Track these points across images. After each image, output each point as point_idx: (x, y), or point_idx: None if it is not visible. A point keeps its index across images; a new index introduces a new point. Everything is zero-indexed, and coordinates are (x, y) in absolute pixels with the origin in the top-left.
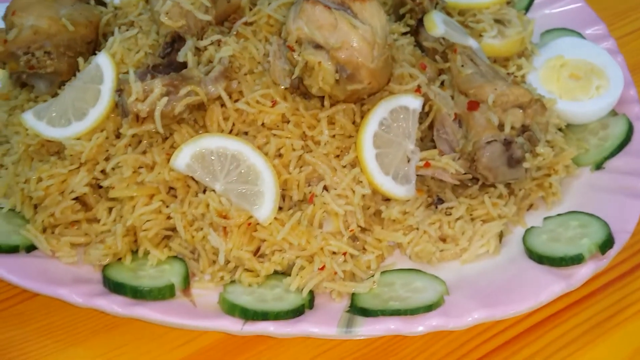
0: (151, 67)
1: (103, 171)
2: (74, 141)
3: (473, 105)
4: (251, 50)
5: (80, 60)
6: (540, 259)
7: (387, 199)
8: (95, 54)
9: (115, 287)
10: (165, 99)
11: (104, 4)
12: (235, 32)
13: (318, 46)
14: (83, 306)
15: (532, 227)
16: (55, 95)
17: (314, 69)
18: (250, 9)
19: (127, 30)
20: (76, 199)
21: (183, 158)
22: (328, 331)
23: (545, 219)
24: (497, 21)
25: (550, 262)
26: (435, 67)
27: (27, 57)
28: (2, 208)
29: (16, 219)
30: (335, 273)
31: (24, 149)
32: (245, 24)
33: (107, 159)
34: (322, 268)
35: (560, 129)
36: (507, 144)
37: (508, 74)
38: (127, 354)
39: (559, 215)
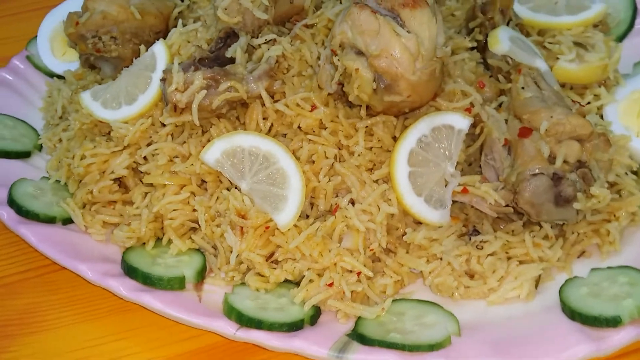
0: (197, 59)
1: (145, 157)
2: (120, 124)
3: (525, 132)
4: (304, 52)
5: (142, 47)
6: (573, 314)
7: (419, 222)
8: None
9: (129, 271)
10: (204, 91)
11: None
12: (293, 34)
13: (359, 52)
14: (95, 284)
15: (574, 277)
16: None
17: (352, 75)
18: (314, 12)
19: (194, 23)
20: (117, 180)
21: (214, 152)
22: (318, 352)
23: (593, 270)
24: (578, 44)
25: (583, 319)
26: (496, 87)
27: (94, 40)
28: (49, 179)
29: (63, 192)
30: (344, 292)
31: (78, 126)
32: (306, 26)
33: (149, 145)
34: (331, 284)
35: (634, 172)
36: (557, 179)
37: (580, 104)
38: (137, 337)
39: (609, 268)
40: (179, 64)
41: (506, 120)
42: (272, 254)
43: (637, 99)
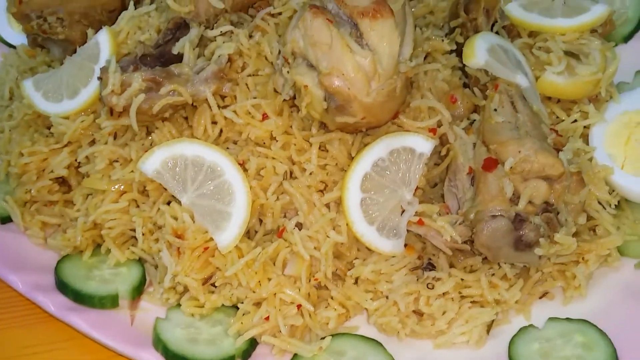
0: (139, 57)
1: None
2: (59, 120)
3: (489, 165)
4: (264, 47)
5: (90, 32)
6: None
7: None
8: None
9: (60, 285)
10: (142, 95)
11: None
12: (255, 24)
13: (311, 65)
14: (25, 295)
15: (529, 326)
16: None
17: (301, 91)
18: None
19: (151, 2)
20: (57, 179)
21: (153, 162)
22: None
23: (550, 319)
24: (570, 54)
25: None
26: (470, 102)
27: (38, 22)
28: None
29: (5, 186)
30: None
31: (21, 116)
32: (270, 15)
33: (92, 142)
34: (267, 318)
35: (615, 205)
36: (519, 221)
37: (557, 133)
38: (74, 347)
39: (567, 319)
40: (117, 61)
41: (474, 145)
42: (210, 277)
43: (627, 123)
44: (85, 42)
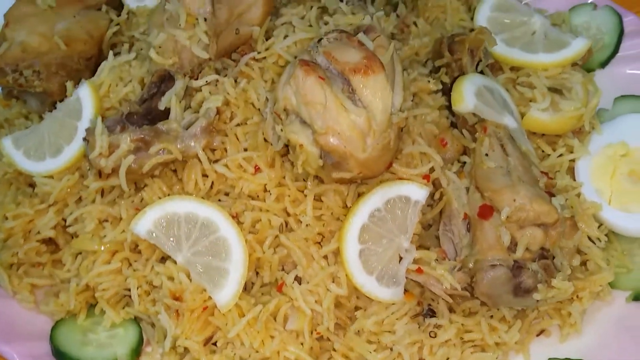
0: (125, 115)
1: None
2: (44, 179)
3: (485, 213)
4: (250, 94)
5: (69, 84)
6: None
7: None
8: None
9: (56, 354)
10: (131, 157)
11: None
12: (239, 70)
13: (304, 122)
14: None
15: None
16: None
17: (296, 149)
18: (264, 42)
19: (129, 49)
20: (44, 240)
21: (145, 223)
22: None
23: None
24: (554, 90)
25: None
26: (460, 145)
27: (14, 76)
28: None
29: None
30: None
31: (1, 175)
32: (254, 59)
33: (79, 200)
34: None
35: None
36: (517, 268)
37: (549, 177)
38: None
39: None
40: (103, 121)
41: (467, 189)
42: (211, 337)
43: (611, 157)
44: (64, 93)
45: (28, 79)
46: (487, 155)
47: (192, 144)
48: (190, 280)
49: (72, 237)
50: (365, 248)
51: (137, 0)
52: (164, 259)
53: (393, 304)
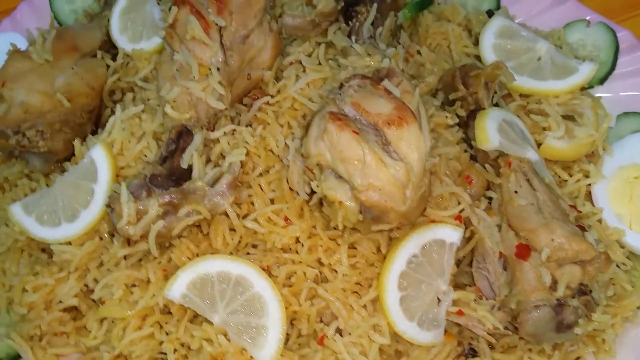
0: (148, 178)
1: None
2: (62, 247)
3: (523, 253)
4: (269, 141)
5: (77, 143)
6: None
7: None
8: (95, 129)
9: None
10: (160, 222)
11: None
12: (252, 115)
13: (340, 177)
14: None
15: None
16: (49, 174)
17: (334, 204)
18: (274, 84)
19: (133, 98)
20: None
21: (179, 287)
22: None
23: None
24: (566, 116)
25: None
26: (483, 180)
27: (17, 138)
28: None
29: (6, 317)
30: None
31: (11, 243)
32: (267, 103)
33: (100, 265)
34: None
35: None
36: (558, 306)
37: (578, 210)
38: None
39: None
40: (127, 187)
41: (498, 226)
42: None
43: (626, 179)
44: (69, 150)
45: (31, 140)
46: (516, 192)
47: (221, 201)
48: (229, 341)
49: (95, 302)
50: (406, 295)
51: (131, 41)
52: (195, 316)
53: (434, 346)
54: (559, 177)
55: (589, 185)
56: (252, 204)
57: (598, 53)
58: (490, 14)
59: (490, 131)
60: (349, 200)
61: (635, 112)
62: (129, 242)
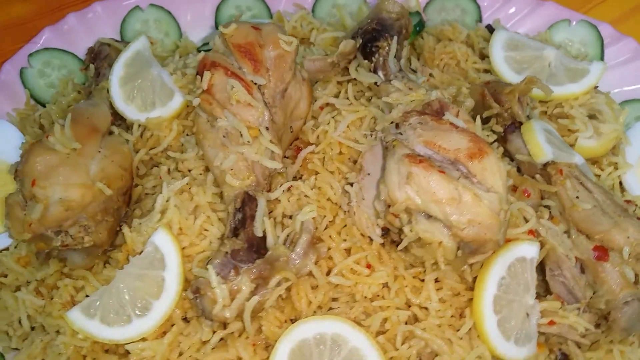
0: (230, 255)
1: None
2: (140, 345)
3: (602, 255)
4: (326, 190)
5: (126, 230)
6: None
7: None
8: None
9: None
10: (255, 298)
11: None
12: (298, 166)
13: (429, 216)
14: None
15: None
16: (91, 268)
17: (431, 245)
18: (312, 131)
19: (168, 171)
20: None
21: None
22: None
23: None
24: (590, 116)
25: None
26: (537, 190)
27: (60, 238)
28: None
29: None
30: None
31: (71, 351)
32: (312, 152)
33: (180, 355)
34: None
35: None
36: None
37: (628, 202)
38: None
39: None
40: (213, 267)
41: (566, 233)
42: None
43: None
44: (113, 239)
45: (75, 237)
46: (577, 197)
47: (304, 263)
48: None
49: None
50: (501, 317)
51: (142, 111)
52: None
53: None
54: (594, 173)
55: (619, 176)
56: (330, 258)
57: (586, 50)
58: (490, 29)
59: (542, 144)
60: (447, 239)
61: (634, 99)
62: (225, 326)
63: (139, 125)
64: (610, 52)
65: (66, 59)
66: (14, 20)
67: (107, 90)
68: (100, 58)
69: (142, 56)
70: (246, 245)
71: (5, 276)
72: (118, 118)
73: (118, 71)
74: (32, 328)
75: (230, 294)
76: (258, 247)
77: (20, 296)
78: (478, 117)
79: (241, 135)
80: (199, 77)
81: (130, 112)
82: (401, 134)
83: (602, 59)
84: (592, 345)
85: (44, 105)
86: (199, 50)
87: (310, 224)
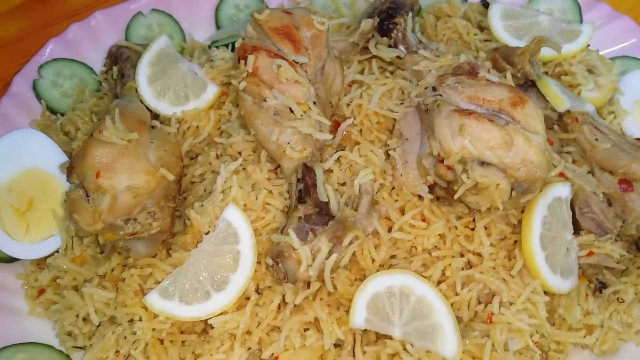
0: (304, 219)
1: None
2: (222, 318)
3: (628, 186)
4: (371, 158)
5: (192, 213)
6: None
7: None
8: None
9: None
10: (334, 255)
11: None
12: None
13: (483, 163)
14: None
15: None
16: (154, 256)
17: (488, 189)
18: (348, 105)
19: (217, 156)
20: None
21: (360, 314)
22: None
23: None
24: (589, 71)
25: None
26: (557, 139)
27: (131, 226)
28: None
29: None
30: None
31: (149, 336)
32: (352, 125)
33: (258, 325)
34: None
35: None
36: None
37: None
38: None
39: None
40: (293, 232)
41: (589, 173)
42: None
43: None
44: (174, 225)
45: (143, 224)
46: (596, 139)
47: (369, 222)
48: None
49: None
50: (548, 253)
51: (174, 105)
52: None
53: (572, 291)
54: None
55: (619, 123)
56: (387, 217)
57: (567, 17)
58: (484, 3)
59: (560, 94)
60: (503, 181)
61: (616, 57)
62: (309, 285)
63: (177, 120)
64: (586, 18)
65: (76, 67)
66: (5, 41)
67: (136, 90)
68: (122, 60)
69: (166, 54)
70: (317, 210)
71: (58, 278)
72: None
73: (144, 71)
74: (97, 326)
75: (312, 253)
76: (326, 211)
77: (86, 291)
78: (508, 73)
79: (291, 111)
80: (242, 61)
81: (163, 107)
82: (441, 95)
83: (581, 22)
84: (623, 272)
85: (57, 115)
86: (210, 47)
87: (368, 186)
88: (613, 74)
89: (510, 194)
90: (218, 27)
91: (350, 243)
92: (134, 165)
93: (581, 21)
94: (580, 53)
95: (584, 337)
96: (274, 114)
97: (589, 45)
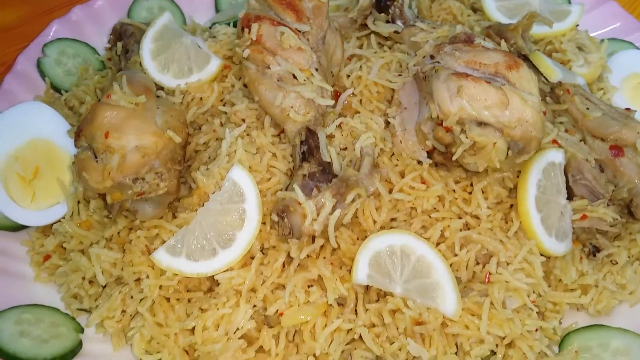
0: (308, 177)
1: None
2: (228, 274)
3: (618, 152)
4: (371, 125)
5: (198, 174)
6: None
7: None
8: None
9: None
10: (338, 211)
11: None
12: (341, 106)
13: (481, 123)
14: None
15: None
16: (161, 218)
17: (485, 148)
18: (348, 76)
19: (221, 124)
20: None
21: (362, 270)
22: None
23: None
24: (579, 48)
25: None
26: (550, 110)
27: (139, 185)
28: None
29: None
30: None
31: (157, 292)
32: (352, 95)
33: (263, 283)
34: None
35: None
36: None
37: (628, 109)
38: None
39: None
40: (298, 188)
41: (581, 141)
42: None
43: (634, 86)
44: (179, 188)
45: (151, 184)
46: (587, 108)
47: (370, 182)
48: (414, 302)
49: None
50: (543, 215)
51: (178, 77)
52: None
53: (565, 255)
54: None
55: (608, 99)
56: (387, 180)
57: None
58: None
59: (552, 66)
60: (500, 140)
61: (612, 39)
62: (314, 239)
63: (181, 92)
64: (575, 2)
65: (79, 47)
66: (6, 26)
67: (140, 64)
68: (126, 36)
69: (170, 29)
70: (321, 168)
71: (64, 243)
72: None
73: (147, 45)
74: (103, 287)
75: (317, 208)
76: (329, 170)
77: (93, 252)
78: (503, 40)
79: (294, 77)
80: (246, 30)
81: (167, 80)
82: (439, 62)
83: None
84: (616, 237)
85: (61, 93)
86: (210, 28)
87: (369, 148)
88: (602, 52)
89: (507, 154)
90: (218, 11)
91: (353, 201)
92: (142, 126)
93: (569, 2)
94: (570, 32)
95: (579, 297)
96: (278, 80)
97: (578, 25)
